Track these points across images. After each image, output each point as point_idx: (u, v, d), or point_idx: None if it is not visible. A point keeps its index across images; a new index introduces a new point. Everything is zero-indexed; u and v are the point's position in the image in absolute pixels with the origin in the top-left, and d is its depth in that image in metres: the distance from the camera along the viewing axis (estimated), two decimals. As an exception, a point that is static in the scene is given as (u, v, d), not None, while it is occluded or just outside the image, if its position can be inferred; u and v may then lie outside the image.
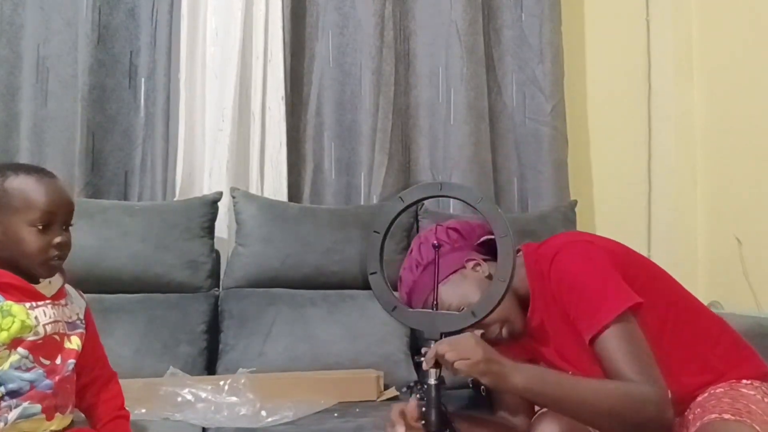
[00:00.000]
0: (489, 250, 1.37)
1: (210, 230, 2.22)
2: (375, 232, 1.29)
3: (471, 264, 1.34)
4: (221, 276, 2.26)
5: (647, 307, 1.23)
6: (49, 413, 1.22)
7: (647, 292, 1.25)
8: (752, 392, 1.28)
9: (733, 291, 2.47)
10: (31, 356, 1.21)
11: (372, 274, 1.29)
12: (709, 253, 2.62)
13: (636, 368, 1.15)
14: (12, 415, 1.18)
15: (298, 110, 2.52)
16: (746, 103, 2.48)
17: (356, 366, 1.99)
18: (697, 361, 1.32)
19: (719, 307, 2.38)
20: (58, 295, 1.28)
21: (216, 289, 2.22)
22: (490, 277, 1.31)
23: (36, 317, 1.22)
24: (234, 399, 1.67)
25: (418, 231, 2.35)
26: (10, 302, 1.20)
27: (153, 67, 2.37)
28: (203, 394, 1.65)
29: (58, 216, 1.23)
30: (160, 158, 2.34)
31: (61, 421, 1.25)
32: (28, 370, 1.20)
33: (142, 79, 2.38)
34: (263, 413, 1.61)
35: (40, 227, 1.20)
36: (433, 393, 1.14)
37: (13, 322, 1.19)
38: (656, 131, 2.77)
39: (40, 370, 1.22)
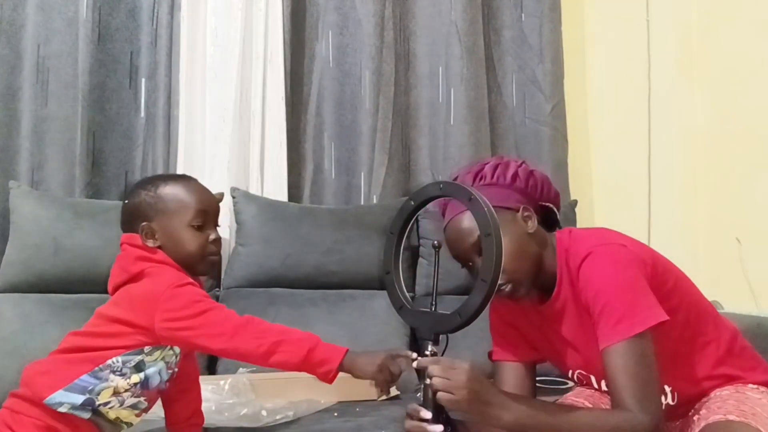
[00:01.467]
0: (545, 219, 1.36)
1: (210, 230, 2.22)
2: (390, 233, 1.31)
3: (524, 213, 1.31)
4: (221, 276, 2.26)
5: (673, 310, 1.21)
6: (141, 413, 1.29)
7: (675, 294, 1.25)
8: (758, 396, 1.29)
9: (733, 291, 2.46)
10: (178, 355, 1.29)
11: (387, 273, 1.31)
12: (709, 253, 2.62)
13: (633, 391, 1.14)
14: (129, 402, 1.25)
15: (298, 110, 2.53)
16: (746, 103, 2.48)
17: (356, 366, 1.99)
18: (709, 364, 1.31)
19: (719, 307, 2.38)
20: None
21: (216, 289, 2.23)
22: (530, 236, 1.29)
23: None
24: (234, 399, 1.67)
25: (418, 230, 2.36)
26: None
27: (153, 68, 2.37)
28: (204, 394, 1.65)
29: (210, 214, 1.31)
30: (161, 158, 2.34)
31: (139, 420, 1.32)
32: (168, 368, 1.28)
33: (143, 80, 2.39)
34: (263, 413, 1.61)
35: (196, 226, 1.28)
36: (430, 392, 1.14)
37: None
38: (656, 131, 2.76)
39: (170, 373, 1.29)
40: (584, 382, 1.37)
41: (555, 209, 1.38)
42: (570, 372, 1.39)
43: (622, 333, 1.17)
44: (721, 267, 2.57)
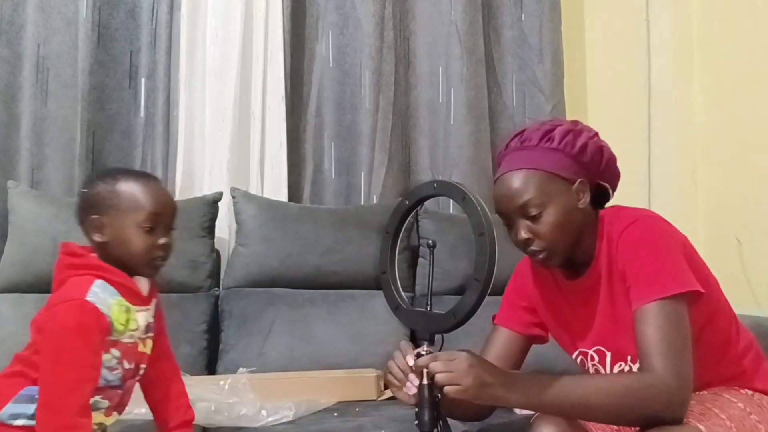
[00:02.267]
0: (596, 196, 1.32)
1: (210, 230, 2.22)
2: (386, 233, 1.30)
3: (580, 186, 1.27)
4: (221, 276, 2.26)
5: (701, 301, 1.20)
6: (109, 411, 1.27)
7: (705, 287, 1.23)
8: (734, 399, 1.26)
9: (733, 291, 2.45)
10: (119, 358, 1.25)
11: (383, 273, 1.30)
12: (709, 253, 2.61)
13: (663, 352, 1.11)
14: None
15: (298, 110, 2.52)
16: (746, 103, 2.48)
17: (356, 366, 1.99)
18: (720, 366, 1.29)
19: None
20: (149, 301, 1.33)
21: (216, 288, 2.22)
22: (578, 210, 1.26)
23: (138, 321, 1.27)
24: (234, 399, 1.67)
25: (418, 230, 2.35)
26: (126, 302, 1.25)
27: (153, 67, 2.37)
28: (204, 394, 1.65)
29: (163, 218, 1.28)
30: (161, 158, 2.34)
31: (113, 418, 1.30)
32: (112, 370, 1.25)
33: (142, 79, 2.39)
34: (263, 413, 1.61)
35: (147, 228, 1.25)
36: (426, 393, 1.13)
37: (128, 320, 1.25)
38: (656, 131, 2.76)
39: (120, 373, 1.26)
40: (594, 360, 1.34)
41: (610, 190, 1.35)
42: (578, 352, 1.36)
43: (657, 292, 1.15)
44: (721, 267, 2.56)
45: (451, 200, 2.39)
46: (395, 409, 1.68)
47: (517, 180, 1.25)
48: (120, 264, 1.26)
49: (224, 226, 2.35)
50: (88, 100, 2.28)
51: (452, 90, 2.59)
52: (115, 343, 1.23)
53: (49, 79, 2.30)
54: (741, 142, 2.51)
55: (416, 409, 1.15)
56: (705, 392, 1.28)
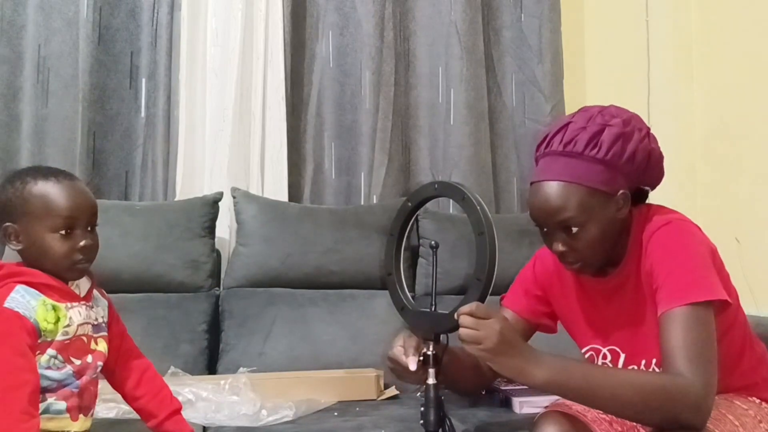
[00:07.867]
0: (633, 196, 1.28)
1: (211, 230, 2.22)
2: (391, 235, 1.31)
3: (622, 196, 1.23)
4: (222, 276, 2.26)
5: (722, 312, 1.19)
6: (73, 413, 1.23)
7: (729, 296, 1.21)
8: (745, 406, 1.26)
9: (733, 291, 2.46)
10: (60, 356, 1.21)
11: (388, 275, 1.31)
12: (709, 253, 2.62)
13: (690, 356, 1.09)
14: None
15: (298, 110, 2.53)
16: (745, 103, 2.48)
17: (356, 365, 1.99)
18: (732, 377, 1.27)
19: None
20: (87, 297, 1.29)
21: (217, 288, 2.22)
22: (617, 220, 1.23)
23: (71, 317, 1.23)
24: (234, 398, 1.67)
25: (418, 230, 2.36)
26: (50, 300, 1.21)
27: (154, 68, 2.38)
28: (204, 394, 1.65)
29: (80, 220, 1.23)
30: (161, 158, 2.35)
31: (83, 422, 1.26)
32: (58, 369, 1.21)
33: (143, 80, 2.39)
34: (263, 412, 1.61)
35: (64, 233, 1.20)
36: (432, 392, 1.14)
37: (58, 318, 1.20)
38: (655, 131, 2.75)
39: (70, 370, 1.23)
40: (607, 359, 1.32)
41: (649, 190, 1.33)
42: (589, 347, 1.34)
43: (686, 297, 1.13)
44: (720, 267, 2.57)
45: (451, 200, 2.43)
46: (395, 409, 1.68)
47: (556, 193, 1.20)
48: (41, 269, 1.22)
49: (225, 226, 2.36)
50: (88, 100, 2.29)
51: (452, 90, 2.60)
52: (49, 344, 1.20)
53: (50, 79, 2.30)
54: (740, 142, 2.51)
55: (421, 408, 1.16)
56: (716, 397, 1.28)
